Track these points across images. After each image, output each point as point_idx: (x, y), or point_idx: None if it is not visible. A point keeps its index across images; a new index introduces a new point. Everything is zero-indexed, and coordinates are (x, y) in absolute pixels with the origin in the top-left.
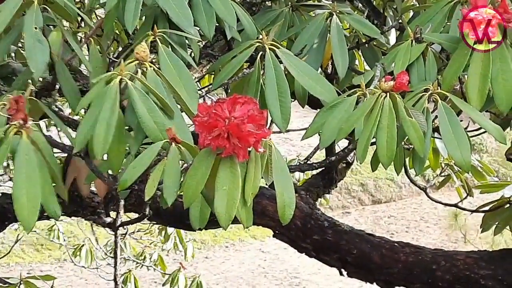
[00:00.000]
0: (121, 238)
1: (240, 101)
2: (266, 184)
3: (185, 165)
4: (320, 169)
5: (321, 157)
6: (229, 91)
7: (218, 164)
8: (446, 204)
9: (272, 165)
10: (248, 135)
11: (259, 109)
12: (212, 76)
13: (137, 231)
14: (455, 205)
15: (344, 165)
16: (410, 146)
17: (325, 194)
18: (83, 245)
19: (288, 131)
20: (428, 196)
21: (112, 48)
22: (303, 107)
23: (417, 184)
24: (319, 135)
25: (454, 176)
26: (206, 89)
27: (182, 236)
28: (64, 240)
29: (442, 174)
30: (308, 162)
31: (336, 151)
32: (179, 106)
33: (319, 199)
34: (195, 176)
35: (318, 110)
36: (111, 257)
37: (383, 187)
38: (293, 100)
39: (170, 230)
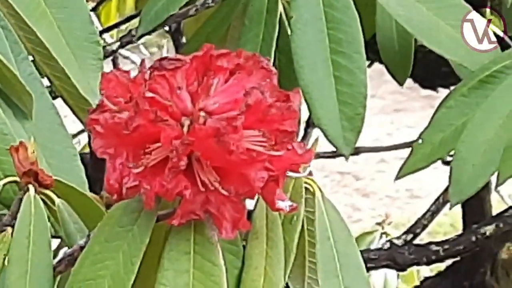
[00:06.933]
0: None
1: (224, 65)
2: None
3: (67, 249)
4: (450, 261)
5: (452, 226)
6: (186, 40)
7: (163, 244)
8: None
9: (318, 251)
10: (249, 163)
11: (276, 88)
12: None
13: None
14: None
15: None
16: None
17: None
18: None
19: (357, 152)
20: None
21: None
22: (401, 84)
23: None
24: (444, 163)
25: None
26: (113, 32)
27: None
28: None
29: None
30: (416, 241)
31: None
32: (47, 83)
33: None
34: (98, 278)
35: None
36: None
37: None
38: (369, 65)
39: None
